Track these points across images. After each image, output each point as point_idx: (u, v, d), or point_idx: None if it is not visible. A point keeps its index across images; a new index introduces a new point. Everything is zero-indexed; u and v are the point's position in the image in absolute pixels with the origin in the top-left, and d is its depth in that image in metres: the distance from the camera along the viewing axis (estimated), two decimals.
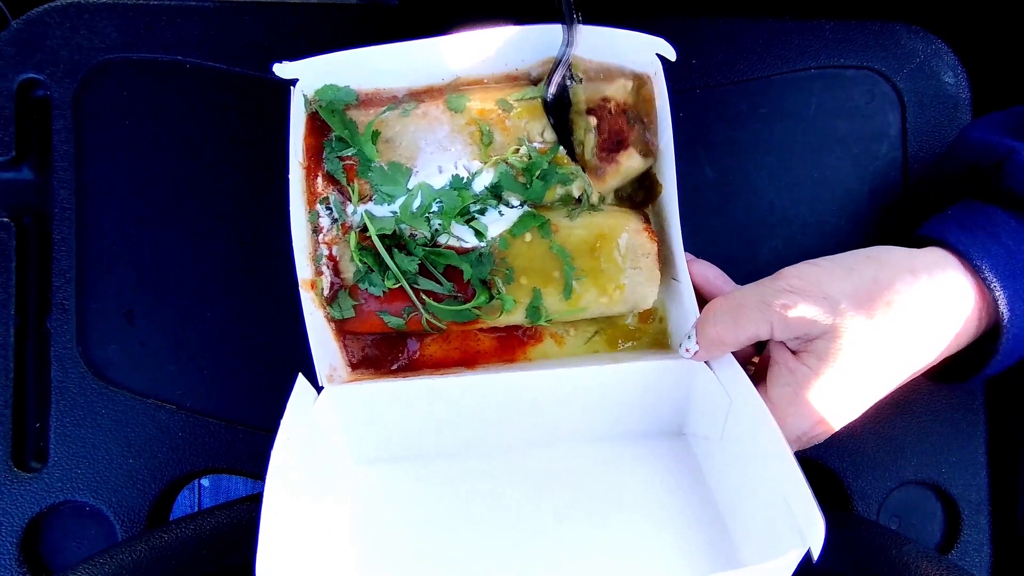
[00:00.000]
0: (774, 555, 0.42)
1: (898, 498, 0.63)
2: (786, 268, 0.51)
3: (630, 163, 0.56)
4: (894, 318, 0.49)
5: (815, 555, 0.42)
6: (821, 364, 0.50)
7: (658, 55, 0.55)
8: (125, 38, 0.62)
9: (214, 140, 0.62)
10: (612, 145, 0.56)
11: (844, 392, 0.50)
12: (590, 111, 0.56)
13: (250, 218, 0.62)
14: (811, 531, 0.43)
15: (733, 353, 0.55)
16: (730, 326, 0.51)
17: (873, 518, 0.63)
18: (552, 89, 0.56)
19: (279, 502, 0.45)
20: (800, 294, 0.49)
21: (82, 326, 0.61)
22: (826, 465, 0.63)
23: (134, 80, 0.62)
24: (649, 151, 0.56)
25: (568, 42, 0.54)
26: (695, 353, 0.54)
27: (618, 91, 0.56)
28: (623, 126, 0.56)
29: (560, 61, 0.55)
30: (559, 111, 0.57)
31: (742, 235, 0.64)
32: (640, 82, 0.56)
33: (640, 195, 0.59)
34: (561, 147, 0.58)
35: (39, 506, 0.59)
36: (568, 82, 0.56)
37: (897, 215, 0.64)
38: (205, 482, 0.72)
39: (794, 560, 0.42)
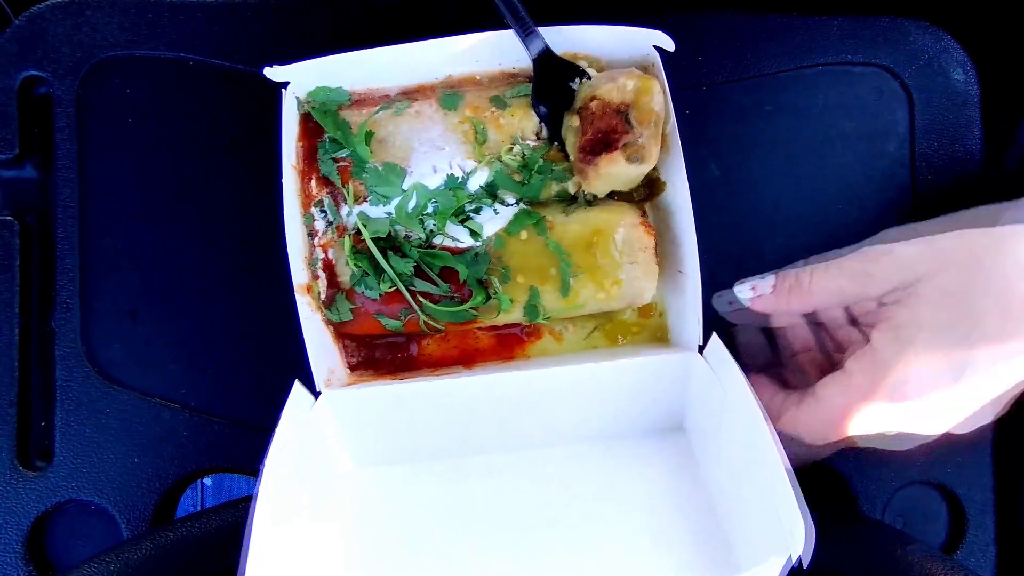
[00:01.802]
0: (762, 560, 0.43)
1: (903, 498, 0.63)
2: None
3: (612, 168, 0.53)
4: (1000, 262, 0.43)
5: (805, 562, 0.42)
6: (919, 303, 0.44)
7: (656, 47, 0.55)
8: (128, 35, 0.62)
9: (217, 138, 0.62)
10: (596, 147, 0.54)
11: (952, 336, 0.44)
12: (579, 110, 0.55)
13: (254, 216, 0.61)
14: (794, 539, 0.43)
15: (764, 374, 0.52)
16: (820, 270, 0.48)
17: (878, 518, 0.62)
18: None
19: (269, 518, 0.45)
20: (894, 241, 0.46)
21: (86, 325, 0.61)
22: (831, 465, 0.63)
23: (137, 77, 0.62)
24: (641, 156, 0.53)
25: (529, 52, 0.54)
26: (755, 299, 0.51)
27: (610, 92, 0.54)
28: (612, 128, 0.53)
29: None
30: (558, 110, 0.56)
31: (747, 233, 0.63)
32: (644, 83, 0.55)
33: (641, 192, 0.59)
34: (556, 143, 0.58)
35: (44, 505, 0.60)
36: (576, 81, 0.56)
37: (905, 213, 0.64)
38: (208, 481, 0.73)
39: (776, 567, 0.42)
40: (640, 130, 0.53)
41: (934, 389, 0.45)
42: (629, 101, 0.53)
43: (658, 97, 0.54)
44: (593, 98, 0.54)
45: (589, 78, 0.56)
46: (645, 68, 0.58)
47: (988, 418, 0.47)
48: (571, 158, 0.56)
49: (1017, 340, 0.44)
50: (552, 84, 0.56)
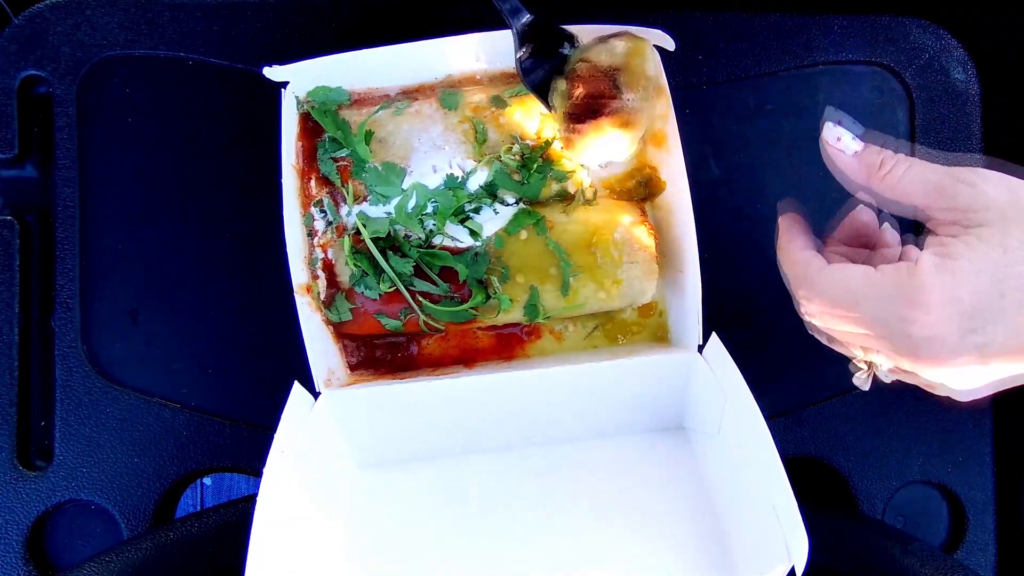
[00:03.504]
0: (764, 568, 0.43)
1: (903, 498, 0.63)
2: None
3: (598, 135, 0.51)
4: None
5: (799, 569, 0.43)
6: (981, 246, 0.42)
7: (656, 47, 0.55)
8: (127, 34, 0.62)
9: (217, 137, 0.62)
10: (582, 113, 0.50)
11: (992, 286, 0.42)
12: (567, 75, 0.52)
13: (254, 215, 0.61)
14: (796, 547, 0.43)
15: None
16: (902, 165, 0.46)
17: (879, 517, 0.62)
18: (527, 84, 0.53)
19: (270, 518, 0.45)
20: (982, 176, 0.44)
21: (86, 324, 0.61)
22: (832, 465, 0.63)
23: (136, 77, 0.62)
24: (629, 122, 0.50)
25: (516, 47, 0.52)
26: (835, 149, 0.48)
27: (599, 54, 0.51)
28: (601, 92, 0.50)
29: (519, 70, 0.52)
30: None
31: (748, 232, 0.63)
32: (635, 45, 0.52)
33: (641, 191, 0.59)
34: (557, 142, 0.58)
35: (45, 504, 0.60)
36: (567, 47, 0.53)
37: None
38: (208, 481, 0.73)
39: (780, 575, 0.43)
40: (629, 94, 0.50)
41: (950, 355, 0.43)
42: (619, 64, 0.51)
43: (651, 60, 0.51)
44: (581, 61, 0.52)
45: (579, 42, 0.54)
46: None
47: (989, 391, 0.46)
48: (558, 126, 0.54)
49: None
50: (544, 52, 0.53)
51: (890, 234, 0.52)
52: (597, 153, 0.53)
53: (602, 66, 0.50)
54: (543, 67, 0.53)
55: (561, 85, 0.52)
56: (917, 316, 0.43)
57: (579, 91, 0.51)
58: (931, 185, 0.45)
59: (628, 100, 0.50)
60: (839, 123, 0.49)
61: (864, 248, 0.53)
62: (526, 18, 0.52)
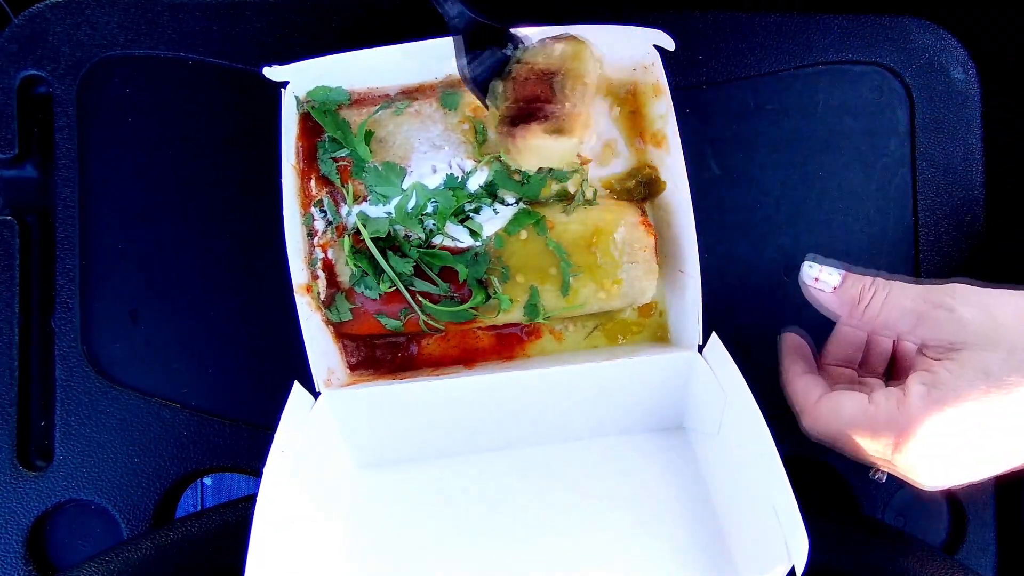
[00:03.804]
0: (764, 568, 0.43)
1: (903, 497, 0.63)
2: (957, 282, 0.48)
3: (531, 141, 0.48)
4: None
5: (799, 570, 0.43)
6: (963, 373, 0.46)
7: (656, 47, 0.55)
8: (127, 34, 0.62)
9: (217, 137, 0.62)
10: (517, 117, 0.48)
11: (975, 414, 0.45)
12: (505, 77, 0.50)
13: (254, 215, 0.61)
14: (796, 548, 0.43)
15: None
16: (879, 297, 0.48)
17: (879, 517, 0.62)
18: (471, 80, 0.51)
19: (270, 519, 0.45)
20: (960, 300, 0.46)
21: (86, 325, 0.61)
22: (831, 464, 0.63)
23: (136, 77, 0.62)
24: (561, 130, 0.48)
25: (457, 46, 0.51)
26: (815, 289, 0.50)
27: (536, 55, 0.49)
28: (537, 96, 0.47)
29: (464, 78, 0.51)
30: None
31: (748, 232, 0.63)
32: (574, 47, 0.49)
33: (641, 191, 0.59)
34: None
35: (45, 504, 0.60)
36: (510, 48, 0.51)
37: (906, 212, 0.64)
38: (208, 481, 0.73)
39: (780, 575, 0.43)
40: (565, 100, 0.48)
41: (944, 467, 0.47)
42: (556, 67, 0.48)
43: (589, 63, 0.50)
44: (519, 62, 0.50)
45: (524, 43, 0.52)
46: (646, 67, 0.57)
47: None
48: (495, 129, 0.52)
49: None
50: (487, 51, 0.51)
51: (877, 353, 0.57)
52: (532, 158, 0.51)
53: (539, 68, 0.49)
54: (485, 67, 0.52)
55: (499, 87, 0.50)
56: (909, 447, 0.47)
57: (515, 94, 0.49)
58: (910, 313, 0.48)
59: (564, 105, 0.48)
60: (816, 263, 0.51)
61: (854, 366, 0.57)
62: (467, 17, 0.50)
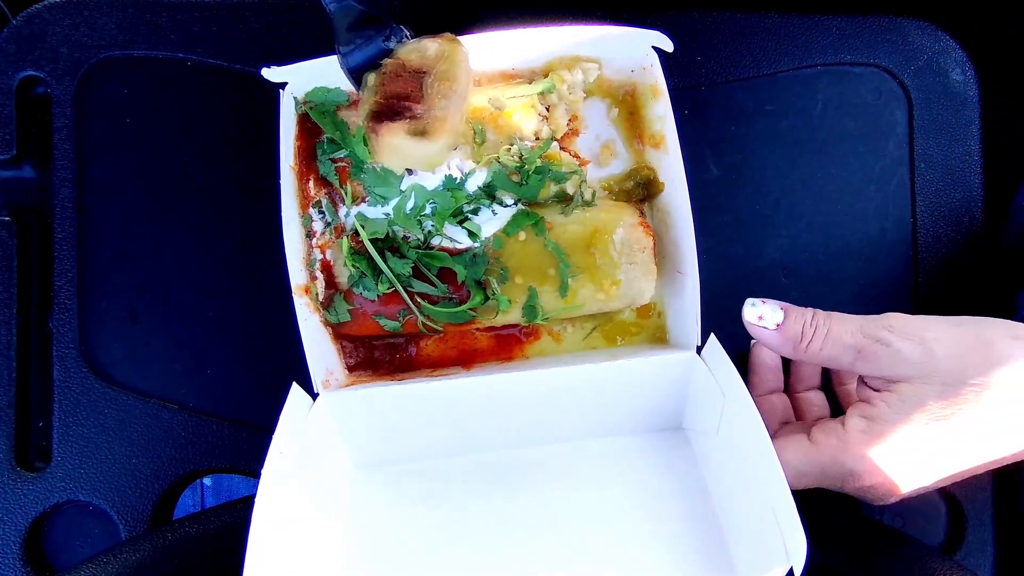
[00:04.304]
0: (762, 568, 0.44)
1: (901, 499, 0.62)
2: (893, 313, 0.50)
3: (392, 140, 0.46)
4: (991, 384, 0.46)
5: (797, 571, 0.43)
6: (902, 407, 0.48)
7: (655, 48, 0.55)
8: (126, 35, 0.62)
9: (216, 138, 0.62)
10: (386, 112, 0.46)
11: (915, 444, 0.48)
12: (379, 71, 0.48)
13: (253, 216, 0.61)
14: (794, 549, 0.43)
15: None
16: (820, 333, 0.50)
17: (877, 518, 0.62)
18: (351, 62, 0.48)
19: (268, 520, 0.45)
20: (898, 334, 0.48)
21: (84, 326, 0.60)
22: None
23: (135, 77, 0.62)
24: (423, 131, 0.45)
25: (387, 38, 0.48)
26: (765, 328, 0.51)
27: (409, 53, 0.47)
28: (406, 94, 0.45)
29: (378, 52, 0.48)
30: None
31: (747, 233, 0.63)
32: (448, 47, 0.47)
33: (639, 192, 0.59)
34: (555, 143, 0.58)
35: (43, 506, 0.60)
36: (392, 40, 0.49)
37: (904, 214, 0.64)
38: (208, 481, 0.73)
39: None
40: (432, 101, 0.46)
41: (890, 492, 0.51)
42: (427, 66, 0.46)
43: (462, 66, 0.47)
44: (392, 58, 0.47)
45: (408, 38, 0.50)
46: (644, 68, 0.57)
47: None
48: (361, 122, 0.49)
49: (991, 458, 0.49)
50: (363, 40, 0.48)
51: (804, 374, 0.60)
52: (393, 157, 0.49)
53: (410, 66, 0.47)
54: (363, 55, 0.49)
55: (371, 79, 0.48)
56: (857, 479, 0.50)
57: (384, 89, 0.47)
58: (850, 348, 0.49)
59: (431, 107, 0.46)
60: (758, 302, 0.52)
61: (780, 389, 0.60)
62: (346, 3, 0.47)
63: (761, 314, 0.51)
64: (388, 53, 0.48)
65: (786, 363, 0.60)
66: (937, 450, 0.48)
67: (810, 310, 0.51)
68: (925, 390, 0.47)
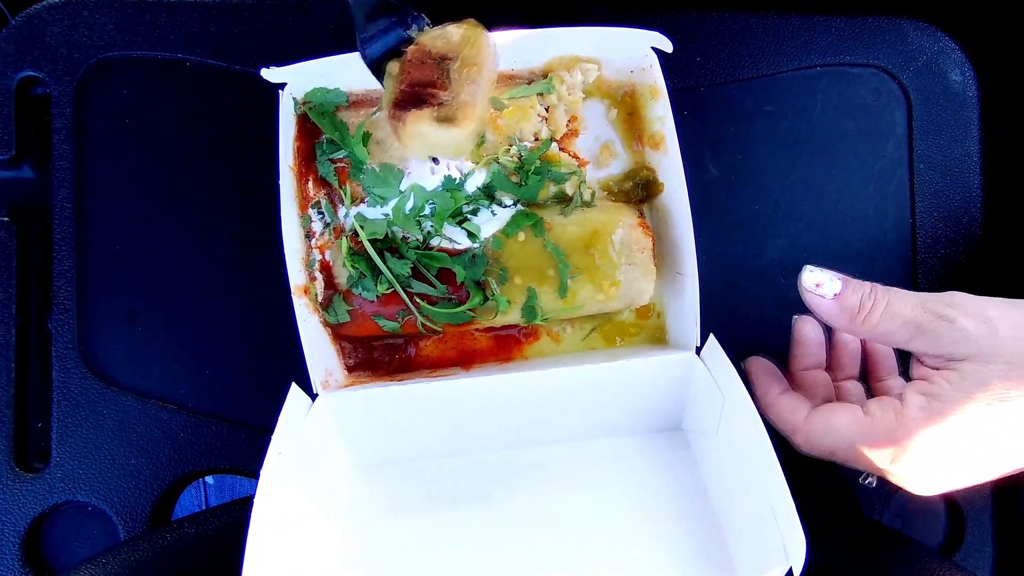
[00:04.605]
0: (761, 569, 0.43)
1: (902, 499, 0.63)
2: (955, 292, 0.48)
3: (419, 127, 0.45)
4: None
5: (796, 573, 0.43)
6: (964, 385, 0.46)
7: (654, 48, 0.55)
8: (125, 35, 0.62)
9: (215, 138, 0.62)
10: (407, 101, 0.45)
11: (977, 425, 0.45)
12: (401, 58, 0.47)
13: (252, 217, 0.61)
14: (794, 549, 0.43)
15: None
16: (879, 306, 0.48)
17: (877, 519, 0.62)
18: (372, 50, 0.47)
19: (267, 521, 0.45)
20: (960, 310, 0.46)
21: (83, 326, 0.60)
22: (830, 466, 0.62)
23: (134, 78, 0.62)
24: (450, 118, 0.45)
25: (407, 25, 0.47)
26: (823, 297, 0.49)
27: (433, 39, 0.46)
28: (431, 81, 0.44)
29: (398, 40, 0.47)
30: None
31: (747, 234, 0.63)
32: (471, 32, 0.46)
33: (638, 192, 0.59)
34: (554, 143, 0.58)
35: (42, 506, 0.60)
36: (413, 28, 0.48)
37: (904, 214, 0.64)
38: (210, 480, 0.73)
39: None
40: (458, 87, 0.45)
41: (940, 477, 0.47)
42: (452, 52, 0.46)
43: (486, 51, 0.46)
44: (414, 44, 0.46)
45: (428, 25, 0.49)
46: (644, 69, 0.57)
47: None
48: (385, 111, 0.49)
49: None
50: (382, 28, 0.48)
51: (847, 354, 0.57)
52: (418, 145, 0.47)
53: (434, 52, 0.46)
54: (382, 44, 0.48)
55: (393, 68, 0.47)
56: (908, 458, 0.47)
57: (407, 76, 0.46)
58: (910, 324, 0.47)
59: (457, 93, 0.45)
60: (816, 269, 0.50)
61: (823, 368, 0.56)
62: None
63: (819, 281, 0.49)
64: (409, 41, 0.47)
65: None
66: (1001, 432, 0.45)
67: (869, 283, 0.49)
68: (989, 369, 0.45)
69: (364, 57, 0.48)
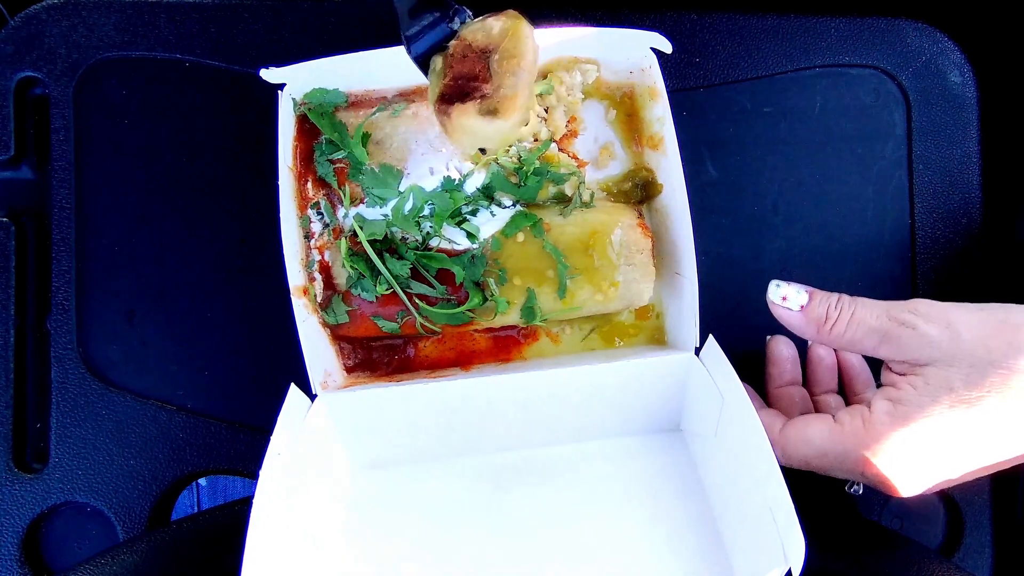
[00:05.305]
0: (760, 570, 0.43)
1: (900, 500, 0.62)
2: (918, 299, 0.49)
3: (464, 121, 0.46)
4: (1018, 369, 0.45)
5: (795, 574, 0.43)
6: (928, 389, 0.47)
7: (653, 49, 0.55)
8: (123, 36, 0.62)
9: (214, 138, 0.62)
10: (452, 95, 0.45)
11: (942, 428, 0.47)
12: (445, 53, 0.47)
13: (251, 217, 0.61)
14: (792, 550, 0.43)
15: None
16: (844, 315, 0.49)
17: (875, 520, 0.62)
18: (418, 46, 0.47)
19: (266, 522, 0.45)
20: (923, 317, 0.47)
21: (82, 326, 0.60)
22: None
23: (133, 78, 0.62)
24: (493, 110, 0.45)
25: (451, 19, 0.47)
26: (789, 309, 0.51)
27: (474, 32, 0.46)
28: (474, 75, 0.45)
29: (441, 34, 0.47)
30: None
31: (746, 235, 0.63)
32: (512, 24, 0.46)
33: (637, 193, 0.59)
34: (553, 144, 0.58)
35: (40, 507, 0.60)
36: (456, 21, 0.48)
37: (903, 215, 0.64)
38: (203, 482, 0.72)
39: None
40: (500, 79, 0.45)
41: (913, 479, 0.49)
42: (493, 45, 0.46)
43: (527, 42, 0.46)
44: (457, 39, 0.47)
45: (471, 17, 0.48)
46: (643, 70, 0.57)
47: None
48: (431, 107, 0.48)
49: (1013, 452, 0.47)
50: (426, 24, 0.47)
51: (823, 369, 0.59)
52: (466, 139, 0.48)
53: (476, 46, 0.46)
54: (427, 40, 0.48)
55: (437, 63, 0.47)
56: (878, 463, 0.48)
57: (452, 71, 0.46)
58: (875, 331, 0.49)
59: (499, 85, 0.45)
60: (782, 284, 0.52)
61: (799, 383, 0.59)
62: None
63: (785, 295, 0.51)
64: (453, 35, 0.47)
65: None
66: (964, 436, 0.47)
67: (835, 294, 0.50)
68: (951, 373, 0.46)
69: (409, 53, 0.48)
